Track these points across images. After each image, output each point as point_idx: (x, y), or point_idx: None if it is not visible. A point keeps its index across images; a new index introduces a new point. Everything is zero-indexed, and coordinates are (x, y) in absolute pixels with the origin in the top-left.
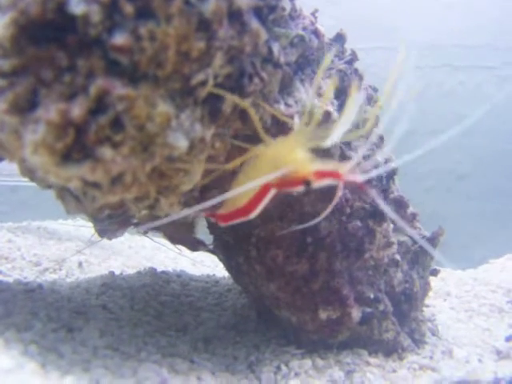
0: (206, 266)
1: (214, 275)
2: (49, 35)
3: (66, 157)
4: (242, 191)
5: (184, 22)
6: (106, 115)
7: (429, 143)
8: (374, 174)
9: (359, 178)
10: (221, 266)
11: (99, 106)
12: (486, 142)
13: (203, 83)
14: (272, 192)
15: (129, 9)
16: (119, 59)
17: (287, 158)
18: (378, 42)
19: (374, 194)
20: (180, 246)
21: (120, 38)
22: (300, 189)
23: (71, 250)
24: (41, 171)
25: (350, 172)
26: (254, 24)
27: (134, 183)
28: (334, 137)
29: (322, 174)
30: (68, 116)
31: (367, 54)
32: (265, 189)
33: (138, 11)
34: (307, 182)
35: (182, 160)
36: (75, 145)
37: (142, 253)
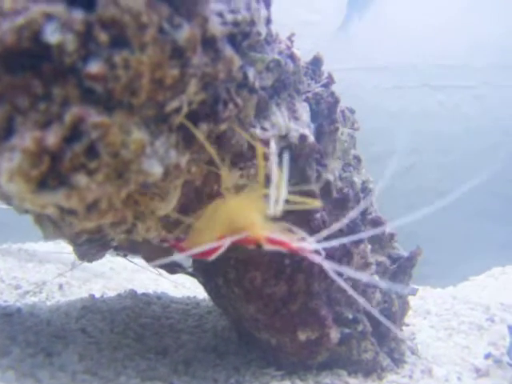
0: (187, 288)
1: (194, 297)
2: (24, 63)
3: (42, 184)
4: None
5: (158, 50)
6: (81, 143)
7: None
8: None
9: (309, 249)
10: (201, 288)
11: (74, 133)
12: (466, 160)
13: (177, 110)
14: (228, 243)
15: (103, 37)
16: (94, 87)
17: (243, 219)
18: (357, 62)
19: (325, 264)
20: (160, 269)
21: (95, 67)
22: (252, 247)
23: (52, 273)
24: (17, 199)
25: (302, 241)
26: (228, 51)
27: (109, 209)
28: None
29: (273, 241)
30: (43, 144)
31: (347, 75)
32: (221, 239)
33: (113, 40)
34: (259, 245)
35: (157, 186)
36: (50, 172)
37: (124, 274)
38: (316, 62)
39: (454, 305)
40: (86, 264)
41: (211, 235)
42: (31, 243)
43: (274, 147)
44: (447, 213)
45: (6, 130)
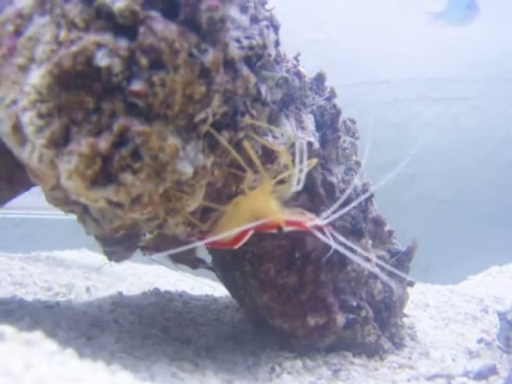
0: (204, 291)
1: (212, 295)
2: (78, 83)
3: (95, 182)
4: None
5: (188, 70)
6: (127, 147)
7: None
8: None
9: (321, 223)
10: (218, 290)
11: (121, 140)
12: (465, 169)
13: (204, 120)
14: (251, 232)
15: (144, 61)
16: (136, 102)
17: (263, 208)
18: (359, 77)
19: (336, 235)
20: (181, 270)
21: (137, 85)
22: (273, 231)
23: (79, 277)
24: (73, 194)
25: (313, 220)
26: (245, 70)
27: (149, 203)
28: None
29: (290, 223)
30: (96, 148)
31: (349, 90)
32: (245, 230)
33: (151, 63)
34: (280, 228)
35: (187, 184)
36: (102, 172)
37: (144, 279)
38: (319, 78)
39: (451, 298)
40: (110, 269)
41: (236, 226)
42: (58, 251)
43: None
44: (449, 217)
45: (64, 138)
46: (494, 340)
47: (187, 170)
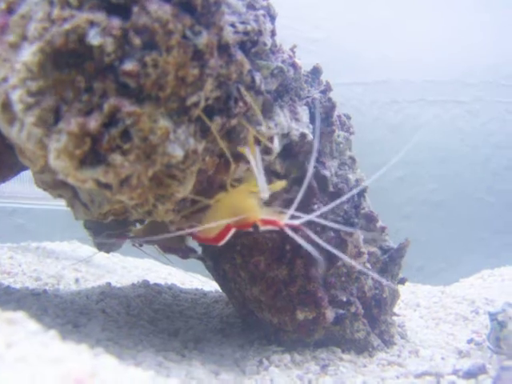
0: (194, 285)
1: (201, 289)
2: (70, 62)
3: (83, 162)
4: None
5: (181, 52)
6: (117, 128)
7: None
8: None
9: (296, 223)
10: (208, 284)
11: (111, 120)
12: (459, 172)
13: (196, 104)
14: (233, 229)
15: (137, 41)
16: (128, 82)
17: (242, 206)
18: (357, 76)
19: (310, 234)
20: (172, 263)
21: (129, 65)
22: (250, 229)
23: (69, 268)
24: (62, 174)
25: (288, 220)
26: (239, 55)
27: (138, 185)
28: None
29: (266, 222)
30: (86, 128)
31: (347, 89)
32: (227, 228)
33: (144, 43)
34: (255, 226)
35: (177, 168)
36: (91, 152)
37: (135, 272)
38: (315, 71)
39: (442, 298)
40: (99, 262)
41: (219, 223)
42: (48, 242)
43: (276, 143)
44: (442, 220)
45: (54, 117)
46: (484, 341)
47: (177, 153)
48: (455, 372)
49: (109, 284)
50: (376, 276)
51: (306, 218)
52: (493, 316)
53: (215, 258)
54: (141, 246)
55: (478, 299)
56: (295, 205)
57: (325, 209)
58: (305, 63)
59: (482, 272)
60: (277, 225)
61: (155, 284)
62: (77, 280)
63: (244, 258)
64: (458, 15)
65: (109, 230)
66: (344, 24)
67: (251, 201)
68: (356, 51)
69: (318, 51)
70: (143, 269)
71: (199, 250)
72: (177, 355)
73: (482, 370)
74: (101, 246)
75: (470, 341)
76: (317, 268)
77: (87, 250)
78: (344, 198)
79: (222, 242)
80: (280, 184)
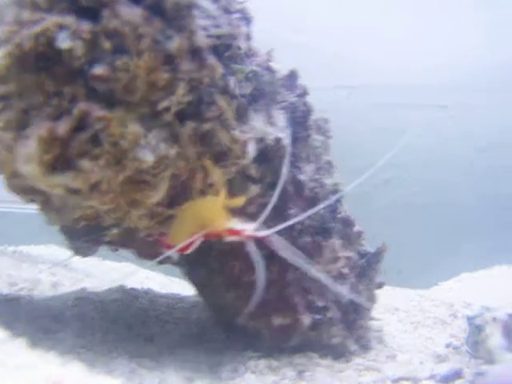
0: (173, 289)
1: (179, 293)
2: (39, 65)
3: (53, 167)
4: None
5: (152, 56)
6: (86, 133)
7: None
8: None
9: (261, 234)
10: (187, 288)
11: (81, 125)
12: (441, 176)
13: (168, 109)
14: (199, 239)
15: (107, 45)
16: (98, 87)
17: (209, 216)
18: (340, 80)
19: (276, 243)
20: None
21: (99, 69)
22: (216, 239)
23: (45, 272)
24: (31, 180)
25: (254, 231)
26: (212, 60)
27: (108, 191)
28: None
29: (231, 232)
30: (55, 133)
31: (330, 93)
32: (194, 237)
33: (115, 47)
34: (221, 237)
35: (149, 173)
36: (60, 157)
37: (113, 276)
38: (292, 75)
39: (421, 302)
40: (77, 265)
41: (186, 232)
42: (24, 246)
43: (251, 147)
44: (423, 223)
45: (23, 121)
46: (463, 344)
47: (148, 158)
48: (432, 376)
49: (85, 289)
50: (344, 291)
51: (275, 228)
52: (470, 320)
53: (191, 263)
54: (116, 250)
55: (456, 303)
56: (266, 213)
57: (299, 218)
58: (287, 67)
59: (462, 275)
60: (242, 236)
61: (132, 288)
62: (53, 285)
63: (220, 262)
64: (442, 20)
65: (84, 235)
66: (327, 28)
67: (218, 210)
68: (339, 55)
69: (300, 55)
70: (122, 272)
71: (175, 254)
72: (151, 361)
73: (458, 374)
74: (77, 251)
75: (448, 345)
76: (293, 273)
77: (65, 254)
78: (322, 206)
79: (189, 251)
80: (238, 201)
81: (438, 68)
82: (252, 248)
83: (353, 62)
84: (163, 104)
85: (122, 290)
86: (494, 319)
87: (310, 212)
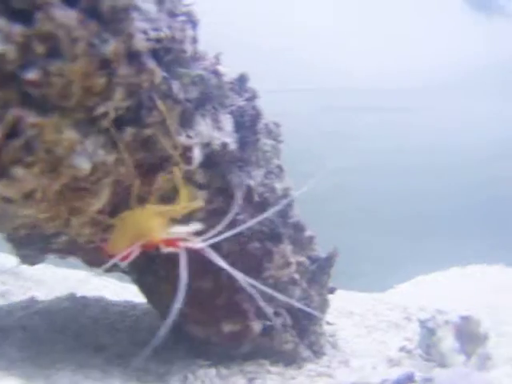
0: (126, 296)
1: (132, 301)
2: None
3: None
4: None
5: (88, 61)
6: (19, 140)
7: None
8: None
9: (198, 245)
10: (140, 296)
11: (14, 131)
12: (397, 178)
13: (105, 114)
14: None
15: (40, 49)
16: (31, 92)
17: (146, 226)
18: (295, 83)
19: (213, 256)
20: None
21: (32, 74)
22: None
23: None
24: None
25: (191, 242)
26: (151, 64)
27: (43, 199)
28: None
29: (168, 243)
30: None
31: (286, 95)
32: (132, 247)
33: (49, 51)
34: (157, 247)
35: (87, 181)
36: None
37: (66, 284)
38: (242, 79)
39: (376, 306)
40: (29, 273)
41: (125, 241)
42: None
43: (197, 153)
44: (378, 227)
45: None
46: (416, 348)
47: (84, 165)
48: (384, 382)
49: (34, 298)
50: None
51: (211, 240)
52: (423, 323)
53: (140, 271)
54: (65, 257)
55: (410, 306)
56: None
57: (248, 224)
58: (237, 71)
59: (416, 278)
60: (177, 247)
61: (82, 297)
62: (2, 294)
63: (167, 270)
64: (402, 24)
65: (31, 243)
66: (284, 32)
67: (155, 220)
68: (296, 58)
69: (255, 58)
70: (74, 280)
71: (122, 263)
72: (98, 372)
73: (410, 378)
74: (24, 259)
75: (401, 348)
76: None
77: (14, 261)
78: (272, 211)
79: (128, 261)
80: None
81: (394, 72)
82: (183, 257)
83: (310, 66)
84: (100, 109)
85: (72, 298)
86: (447, 322)
87: (259, 218)
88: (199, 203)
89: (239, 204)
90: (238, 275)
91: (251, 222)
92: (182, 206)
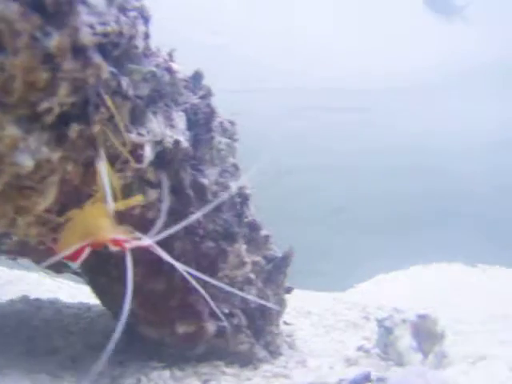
0: (82, 298)
1: (87, 303)
2: None
3: None
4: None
5: (30, 54)
6: None
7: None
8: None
9: (146, 242)
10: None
11: None
12: (360, 176)
13: (49, 110)
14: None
15: None
16: None
17: (93, 225)
18: (257, 83)
19: (162, 253)
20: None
21: None
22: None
23: None
24: None
25: (137, 240)
26: (97, 58)
27: None
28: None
29: (116, 242)
30: None
31: (246, 95)
32: (82, 246)
33: None
34: (105, 246)
35: (31, 179)
36: None
37: (21, 286)
38: (197, 76)
39: (334, 305)
40: None
41: (73, 240)
42: None
43: (148, 151)
44: (340, 225)
45: None
46: (374, 347)
47: (27, 163)
48: (340, 381)
49: None
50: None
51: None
52: (380, 322)
53: (92, 272)
54: (15, 258)
55: (369, 305)
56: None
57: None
58: (192, 68)
59: (377, 277)
60: (124, 246)
61: (36, 299)
62: None
63: (119, 270)
64: (362, 23)
65: None
66: (244, 31)
67: (103, 219)
68: (254, 58)
69: (214, 57)
70: (29, 282)
71: (74, 264)
72: (48, 376)
73: (367, 378)
74: None
75: (359, 348)
76: (197, 280)
77: None
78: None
79: (79, 261)
80: (134, 200)
81: (354, 72)
82: (129, 256)
83: (267, 66)
84: (44, 105)
85: (25, 300)
86: (404, 321)
87: (197, 214)
88: (138, 199)
89: (191, 203)
90: (190, 273)
91: (195, 216)
92: (122, 202)
